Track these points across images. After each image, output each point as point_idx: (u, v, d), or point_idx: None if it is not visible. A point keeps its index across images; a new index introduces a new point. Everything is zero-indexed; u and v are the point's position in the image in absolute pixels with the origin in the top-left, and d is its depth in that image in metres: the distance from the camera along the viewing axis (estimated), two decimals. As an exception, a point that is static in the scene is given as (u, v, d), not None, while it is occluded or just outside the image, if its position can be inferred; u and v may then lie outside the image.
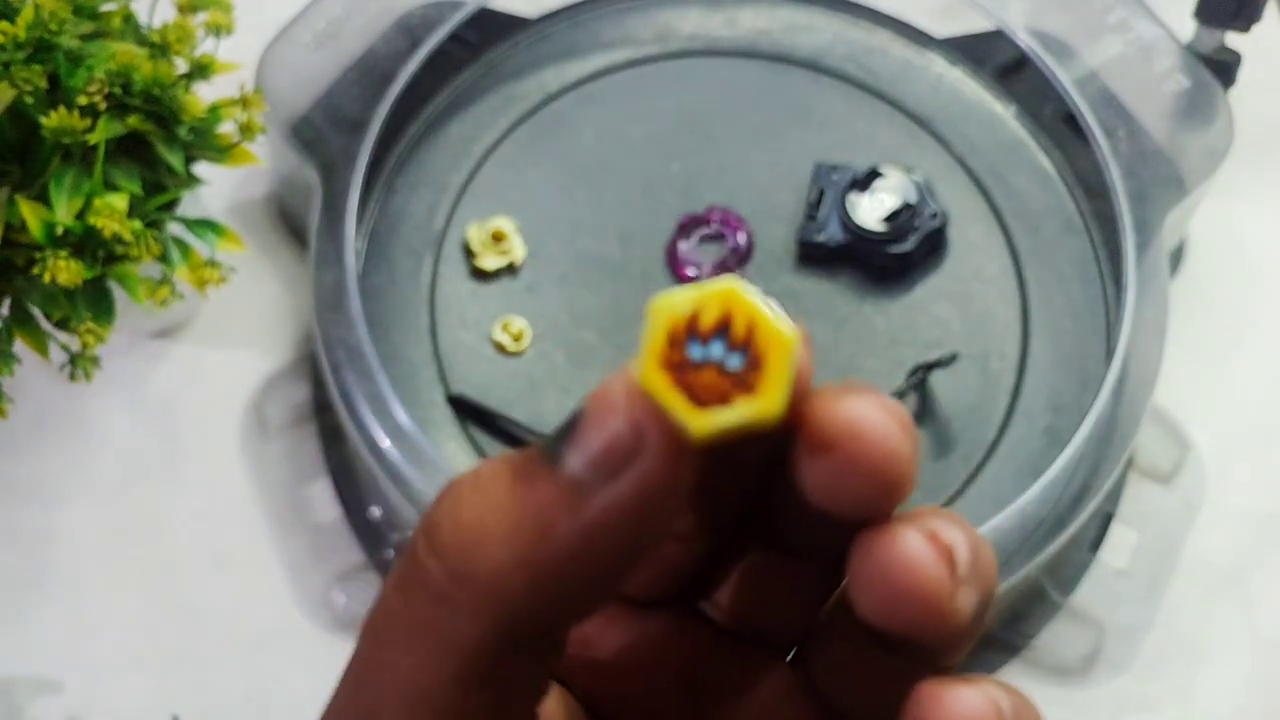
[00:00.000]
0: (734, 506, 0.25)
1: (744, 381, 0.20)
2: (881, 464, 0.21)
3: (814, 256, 0.60)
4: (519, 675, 0.22)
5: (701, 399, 0.20)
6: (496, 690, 0.21)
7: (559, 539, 0.20)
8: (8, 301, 0.52)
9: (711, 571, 0.26)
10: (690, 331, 0.21)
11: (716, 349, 0.20)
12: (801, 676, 0.26)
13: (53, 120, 0.49)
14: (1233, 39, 0.63)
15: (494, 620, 0.21)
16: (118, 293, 0.53)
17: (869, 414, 0.21)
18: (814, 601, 0.25)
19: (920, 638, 0.22)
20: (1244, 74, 0.63)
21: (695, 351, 0.20)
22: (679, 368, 0.20)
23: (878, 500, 0.21)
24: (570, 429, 0.21)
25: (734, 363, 0.20)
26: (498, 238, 0.60)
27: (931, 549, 0.21)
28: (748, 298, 0.21)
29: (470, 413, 0.57)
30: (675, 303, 0.21)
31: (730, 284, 0.21)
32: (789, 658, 0.26)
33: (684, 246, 0.60)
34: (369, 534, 0.57)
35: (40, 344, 0.53)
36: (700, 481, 0.21)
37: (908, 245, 0.59)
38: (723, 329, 0.21)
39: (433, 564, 0.21)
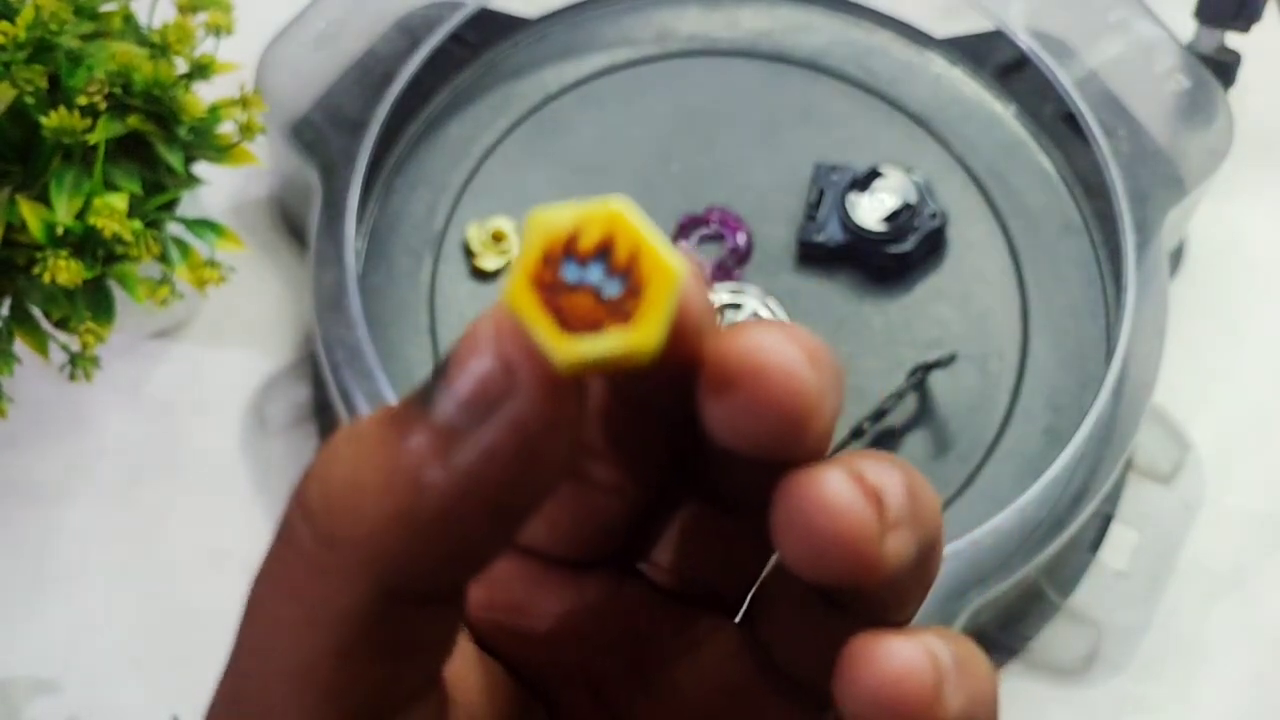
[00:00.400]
0: (660, 456, 0.23)
1: (620, 310, 0.18)
2: (782, 397, 0.19)
3: (813, 257, 0.60)
4: (409, 639, 0.20)
5: (572, 325, 0.18)
6: (385, 658, 0.20)
7: (432, 489, 0.19)
8: (8, 301, 0.52)
9: (648, 529, 0.24)
10: (569, 252, 0.19)
11: (595, 273, 0.19)
12: (748, 636, 0.24)
13: (53, 120, 0.49)
14: (1233, 39, 0.63)
15: (370, 583, 0.19)
16: (118, 293, 0.53)
17: (769, 345, 0.19)
18: (755, 557, 0.24)
19: (850, 587, 0.21)
20: (1244, 74, 0.63)
21: (571, 273, 0.19)
22: (552, 289, 0.19)
23: (785, 439, 0.20)
24: (443, 369, 0.19)
25: (612, 289, 0.19)
26: (498, 238, 0.60)
27: (855, 488, 0.20)
28: (634, 222, 0.19)
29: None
30: (555, 219, 0.19)
31: (618, 205, 0.19)
32: (737, 618, 0.25)
33: (684, 246, 0.60)
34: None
35: (40, 344, 0.52)
36: (607, 424, 0.20)
37: (907, 245, 0.59)
38: (604, 253, 0.19)
39: (303, 528, 0.20)
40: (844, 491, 0.20)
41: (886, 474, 0.21)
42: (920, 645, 0.20)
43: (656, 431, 0.22)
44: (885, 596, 0.22)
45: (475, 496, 0.19)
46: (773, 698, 0.24)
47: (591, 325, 0.18)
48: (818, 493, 0.20)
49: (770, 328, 0.20)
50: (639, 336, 0.18)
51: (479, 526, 0.19)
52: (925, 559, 0.21)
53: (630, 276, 0.19)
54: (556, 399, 0.19)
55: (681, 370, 0.20)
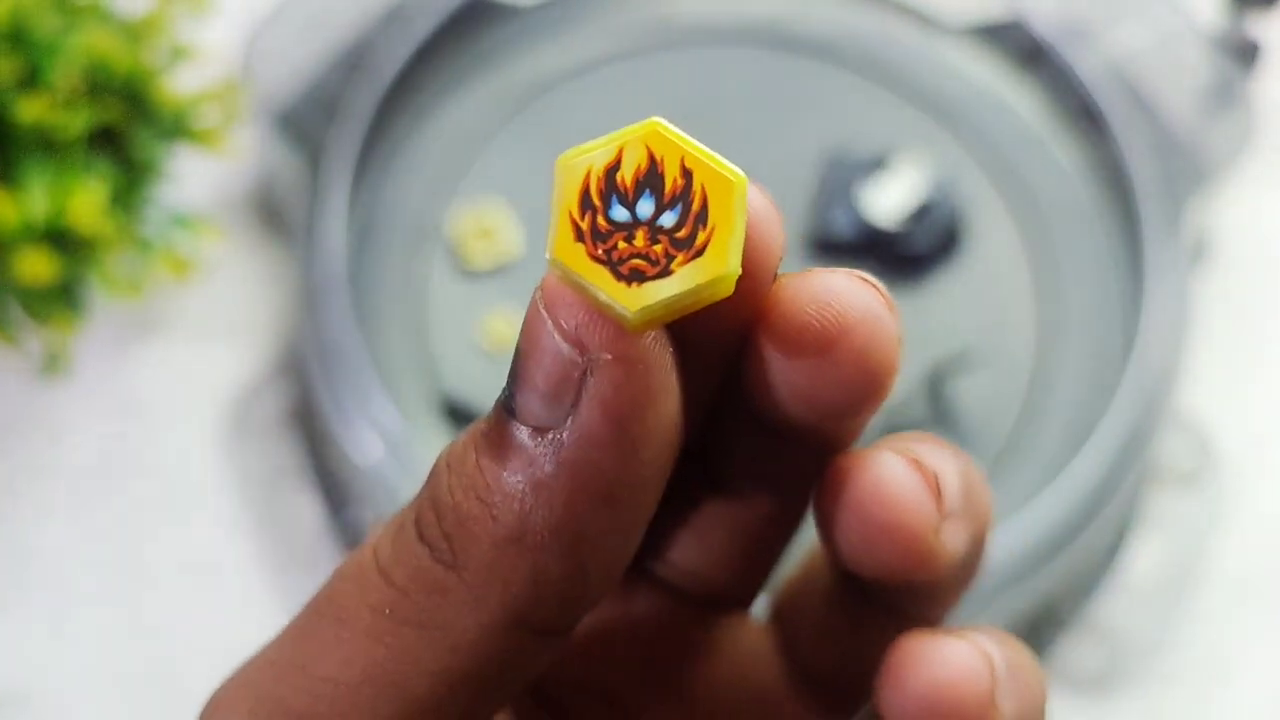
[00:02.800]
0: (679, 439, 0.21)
1: (684, 241, 0.16)
2: (870, 352, 0.18)
3: (823, 251, 0.59)
4: (516, 669, 0.19)
5: (633, 271, 0.16)
6: (486, 685, 0.19)
7: (544, 500, 0.17)
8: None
9: (657, 527, 0.22)
10: (611, 189, 0.17)
11: (645, 205, 0.17)
12: (772, 633, 0.23)
13: (30, 112, 0.48)
14: (1256, 28, 0.62)
15: (495, 612, 0.18)
16: (93, 289, 0.52)
17: (854, 291, 0.18)
18: (772, 547, 0.22)
19: (901, 581, 0.20)
20: (1265, 62, 0.62)
21: (619, 213, 0.17)
22: (601, 236, 0.17)
23: (864, 400, 0.18)
24: (514, 369, 0.18)
25: (669, 220, 0.16)
26: (492, 232, 0.59)
27: (915, 475, 0.19)
28: (676, 136, 0.17)
29: (462, 414, 0.56)
30: (588, 157, 0.17)
31: (651, 123, 0.17)
32: (749, 610, 0.23)
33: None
34: (355, 541, 0.56)
35: (12, 340, 0.52)
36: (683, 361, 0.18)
37: (921, 240, 0.58)
38: (650, 180, 0.17)
39: (422, 552, 0.18)
40: (903, 478, 0.19)
41: (944, 460, 0.19)
42: (974, 648, 0.19)
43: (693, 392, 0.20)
44: (929, 592, 0.21)
45: (586, 491, 0.17)
46: (796, 699, 0.23)
47: (655, 264, 0.16)
48: (874, 478, 0.19)
49: (842, 272, 0.18)
50: (713, 263, 0.16)
51: (597, 525, 0.18)
52: (975, 553, 0.20)
53: (687, 198, 0.16)
54: (642, 360, 0.17)
55: (728, 323, 0.18)
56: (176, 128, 0.52)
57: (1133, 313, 0.58)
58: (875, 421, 0.20)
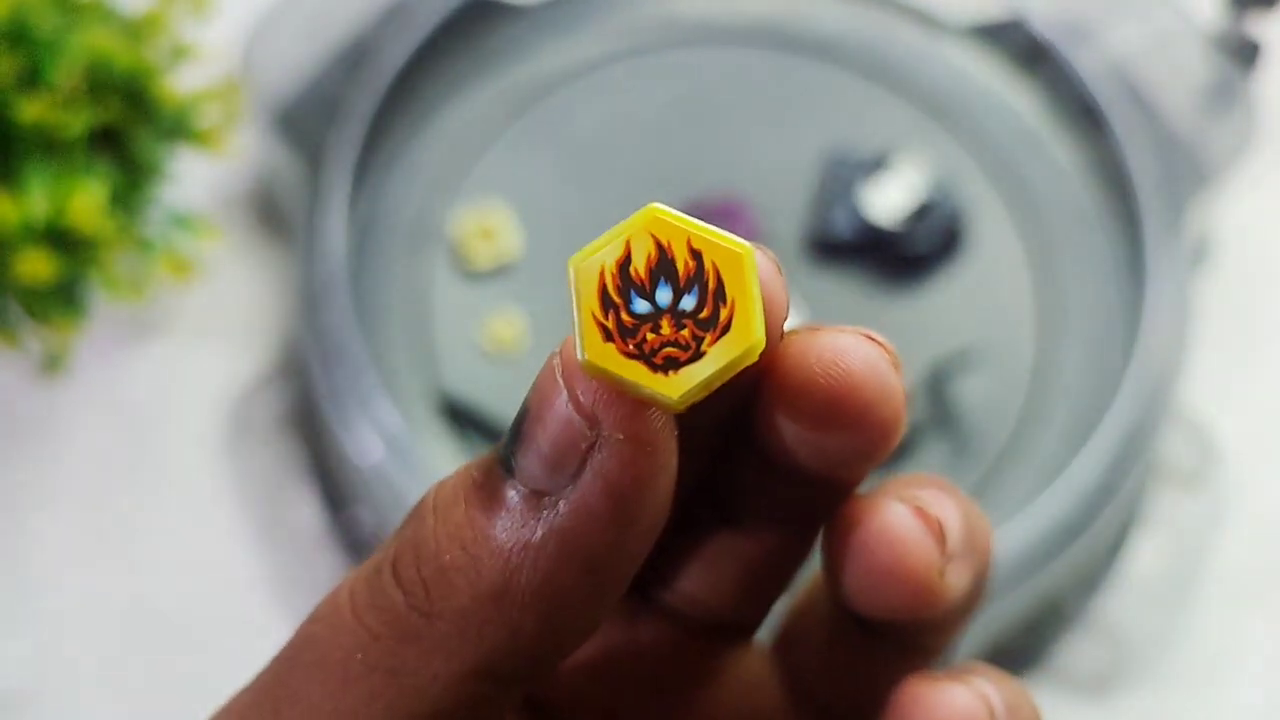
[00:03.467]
0: (686, 479, 0.22)
1: (709, 321, 0.17)
2: (874, 406, 0.19)
3: (822, 251, 0.59)
4: (484, 714, 0.19)
5: (668, 360, 0.17)
6: None
7: (530, 561, 0.18)
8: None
9: (665, 555, 0.23)
10: (627, 283, 0.17)
11: (664, 294, 0.17)
12: (775, 661, 0.24)
13: (30, 111, 0.48)
14: (1256, 28, 0.61)
15: (467, 661, 0.18)
16: (93, 289, 0.52)
17: (856, 347, 0.19)
18: (776, 578, 0.23)
19: (907, 620, 0.20)
20: (1266, 62, 0.62)
21: (640, 306, 0.17)
22: (628, 332, 0.17)
23: (870, 451, 0.19)
24: (519, 428, 0.18)
25: (689, 303, 0.17)
26: (493, 232, 0.59)
27: (918, 523, 0.20)
28: (677, 219, 0.17)
29: (462, 414, 0.56)
30: (598, 255, 0.18)
31: (650, 210, 0.17)
32: (770, 646, 0.24)
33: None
34: (356, 543, 0.56)
35: (12, 340, 0.51)
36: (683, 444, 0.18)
37: (921, 240, 0.58)
38: (663, 267, 0.17)
39: (398, 597, 0.19)
40: (908, 525, 0.20)
41: (945, 505, 0.20)
42: (975, 693, 0.20)
43: (697, 450, 0.21)
44: (933, 628, 0.21)
45: (574, 560, 0.18)
46: None
47: (686, 349, 0.17)
48: (880, 525, 0.19)
49: (845, 330, 0.19)
50: (740, 337, 0.17)
51: (579, 592, 0.18)
52: (977, 589, 0.21)
53: (702, 278, 0.17)
54: (651, 442, 0.17)
55: (738, 379, 0.18)
56: (177, 128, 0.52)
57: (1133, 312, 0.58)
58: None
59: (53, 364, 0.53)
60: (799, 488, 0.20)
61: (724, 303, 0.17)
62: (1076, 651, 0.55)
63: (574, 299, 0.17)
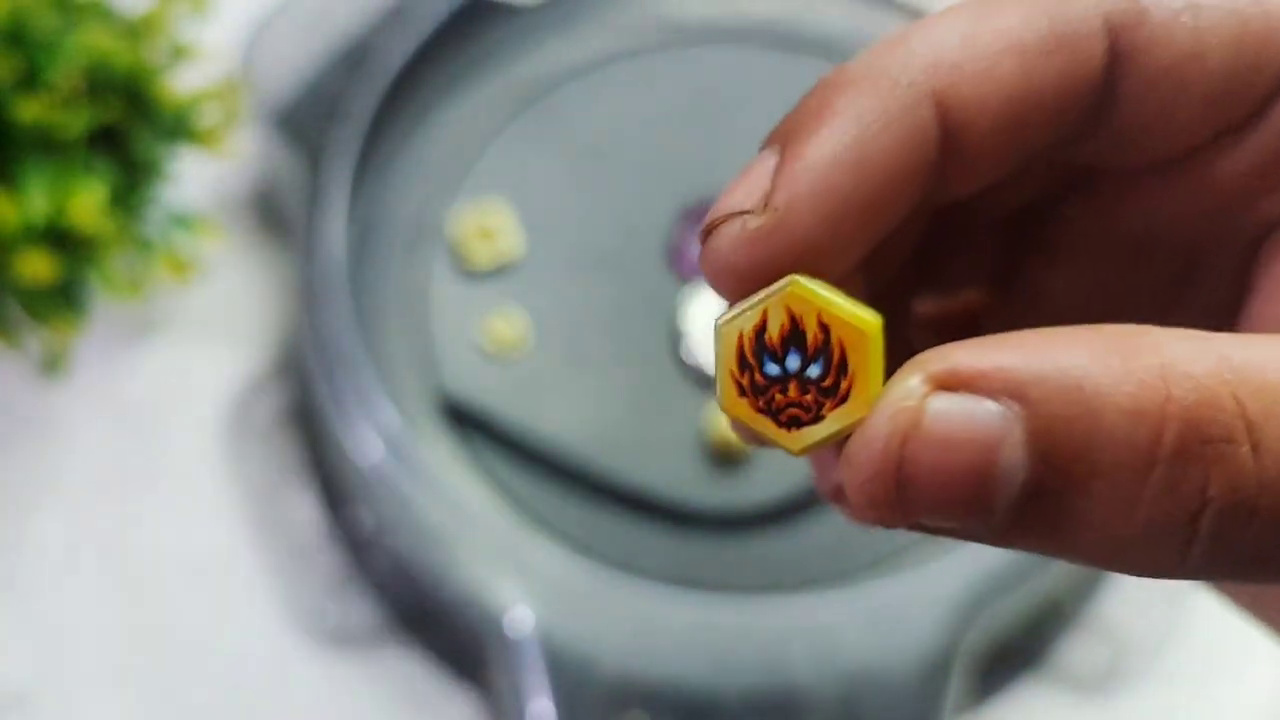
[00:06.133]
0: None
1: (830, 390, 0.19)
2: None
3: (822, 251, 0.59)
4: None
5: (791, 419, 0.19)
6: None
7: None
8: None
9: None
10: (761, 349, 0.20)
11: (793, 361, 0.19)
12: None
13: (30, 112, 0.48)
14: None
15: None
16: (93, 289, 0.51)
17: None
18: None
19: None
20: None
21: (771, 369, 0.20)
22: (759, 390, 0.20)
23: None
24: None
25: (815, 371, 0.19)
26: (493, 232, 0.59)
27: None
28: (812, 293, 0.19)
29: (464, 415, 0.56)
30: (739, 321, 0.20)
31: (791, 282, 0.19)
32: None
33: (688, 240, 0.59)
34: (356, 543, 0.56)
35: (12, 340, 0.51)
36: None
37: (920, 239, 0.58)
38: (794, 337, 0.19)
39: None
40: None
41: None
42: None
43: None
44: None
45: None
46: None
47: (808, 411, 0.19)
48: None
49: None
50: (855, 408, 0.19)
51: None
52: None
53: (828, 350, 0.19)
54: None
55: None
56: (177, 128, 0.52)
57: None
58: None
59: (53, 364, 0.53)
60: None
61: (845, 375, 0.19)
62: (1076, 651, 0.55)
63: (716, 357, 0.20)
